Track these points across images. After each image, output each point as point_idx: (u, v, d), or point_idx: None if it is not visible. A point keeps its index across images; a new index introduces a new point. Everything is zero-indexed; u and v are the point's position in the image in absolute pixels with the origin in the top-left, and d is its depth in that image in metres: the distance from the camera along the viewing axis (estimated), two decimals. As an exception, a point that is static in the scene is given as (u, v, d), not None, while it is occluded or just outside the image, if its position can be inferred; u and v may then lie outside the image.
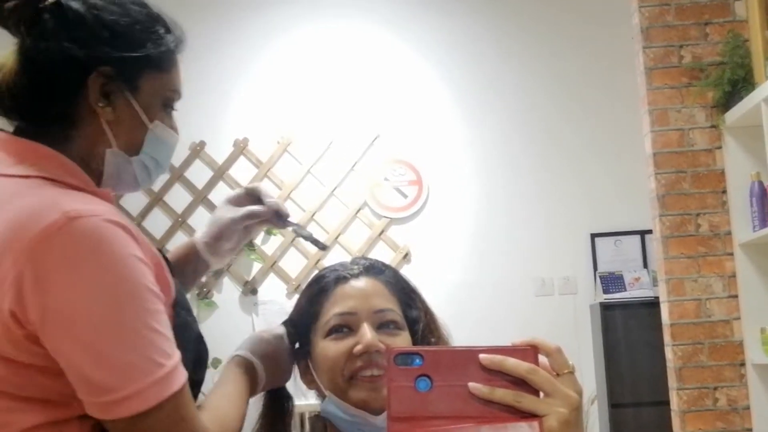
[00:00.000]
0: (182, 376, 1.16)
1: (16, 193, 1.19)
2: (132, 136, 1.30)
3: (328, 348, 1.39)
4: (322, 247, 1.61)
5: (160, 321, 1.16)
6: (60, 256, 1.12)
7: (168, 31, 1.34)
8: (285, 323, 1.50)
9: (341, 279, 1.45)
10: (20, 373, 1.16)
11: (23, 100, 1.25)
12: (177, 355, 1.16)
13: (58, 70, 1.24)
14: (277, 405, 1.50)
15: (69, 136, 1.26)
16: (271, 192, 1.60)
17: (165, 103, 1.34)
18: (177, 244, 5.61)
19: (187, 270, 1.57)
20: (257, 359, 1.42)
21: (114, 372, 1.12)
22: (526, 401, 0.96)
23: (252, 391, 1.40)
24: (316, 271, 1.55)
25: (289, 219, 1.59)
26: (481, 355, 0.97)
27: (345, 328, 1.40)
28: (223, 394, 1.34)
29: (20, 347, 1.14)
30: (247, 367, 1.40)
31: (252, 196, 1.58)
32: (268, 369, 1.42)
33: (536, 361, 0.99)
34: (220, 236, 1.56)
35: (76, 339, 1.12)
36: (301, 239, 5.40)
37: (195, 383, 1.28)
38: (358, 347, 1.36)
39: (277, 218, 1.59)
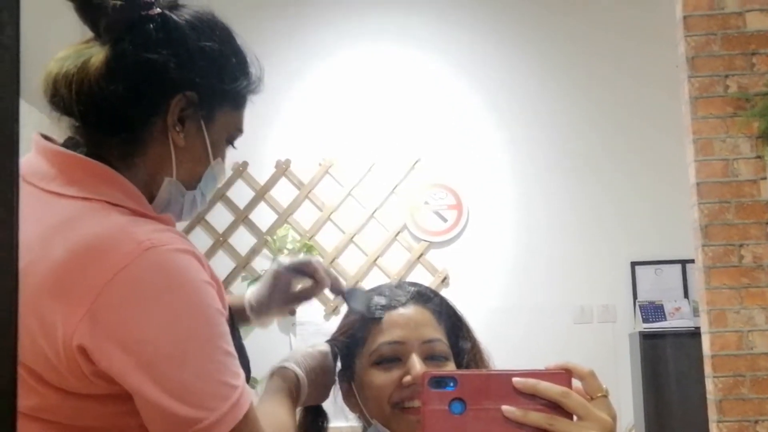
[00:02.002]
0: (249, 393, 1.15)
1: (78, 217, 1.13)
2: (194, 168, 1.26)
3: (376, 377, 1.39)
4: (378, 317, 1.48)
5: (229, 342, 1.14)
6: (136, 291, 1.08)
7: (252, 67, 1.32)
8: (329, 342, 1.50)
9: (389, 306, 1.44)
10: (77, 404, 1.13)
11: (107, 106, 1.19)
12: (242, 372, 1.16)
13: (152, 81, 1.19)
14: (314, 422, 1.51)
15: (133, 154, 1.21)
16: (321, 263, 1.57)
17: (228, 140, 1.32)
18: (218, 263, 5.65)
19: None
20: (303, 373, 1.41)
21: (197, 404, 1.09)
22: (560, 425, 0.96)
23: (294, 404, 1.40)
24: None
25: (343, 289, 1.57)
26: (515, 379, 0.98)
27: (393, 357, 1.39)
28: (277, 408, 1.33)
29: (84, 381, 1.10)
30: (292, 380, 1.40)
31: (299, 270, 1.55)
32: (312, 384, 1.42)
33: (569, 385, 0.99)
34: (262, 313, 1.57)
35: (158, 376, 1.08)
36: (342, 260, 5.45)
37: None
38: (407, 378, 1.36)
39: (332, 291, 1.58)
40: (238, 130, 1.33)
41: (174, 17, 1.22)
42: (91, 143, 1.21)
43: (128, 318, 1.08)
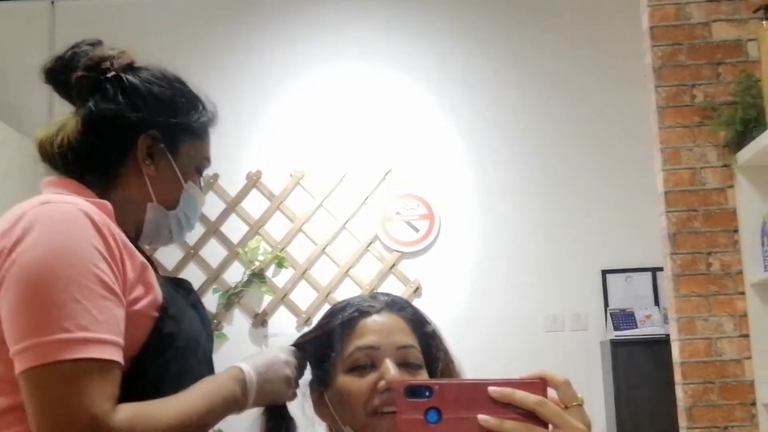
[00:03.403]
0: (92, 351, 1.22)
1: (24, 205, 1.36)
2: (169, 192, 1.53)
3: (350, 384, 1.38)
4: None
5: (91, 299, 1.24)
6: (22, 227, 1.28)
7: (205, 107, 1.59)
8: (296, 345, 1.51)
9: (363, 313, 1.44)
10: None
11: (84, 153, 1.47)
12: (99, 334, 1.23)
13: (116, 128, 1.48)
14: (277, 424, 1.49)
15: (113, 185, 1.48)
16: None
17: (198, 168, 1.58)
18: (189, 275, 5.65)
19: None
20: (250, 366, 1.43)
21: (24, 323, 1.22)
22: None
23: (242, 397, 1.41)
24: (326, 305, 1.56)
25: None
26: (491, 388, 0.99)
27: (367, 363, 1.39)
28: (185, 395, 1.35)
29: None
30: (236, 375, 1.42)
31: None
32: (263, 377, 1.43)
33: (545, 394, 1.00)
34: None
35: (12, 290, 1.24)
36: (314, 271, 5.45)
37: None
38: (382, 383, 1.36)
39: None
40: (205, 159, 1.59)
41: (128, 75, 1.51)
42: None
43: (14, 248, 1.26)
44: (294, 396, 1.49)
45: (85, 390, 1.19)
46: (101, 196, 1.43)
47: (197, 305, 1.53)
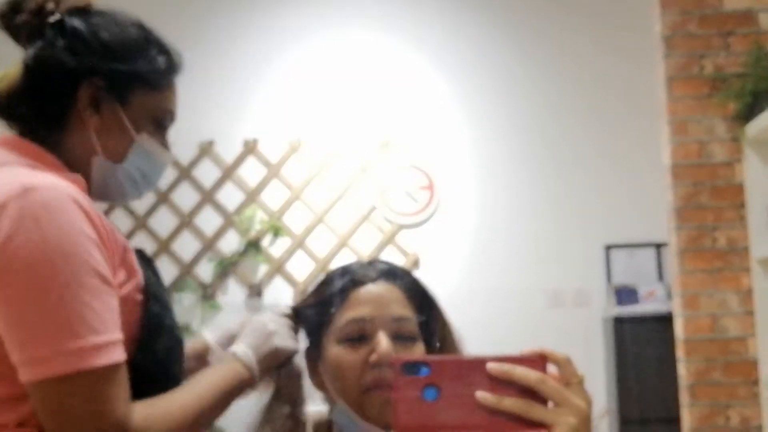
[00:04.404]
0: (108, 356, 1.19)
1: None
2: (117, 145, 1.40)
3: (343, 356, 1.34)
4: None
5: (95, 295, 1.20)
6: (11, 221, 1.19)
7: (162, 53, 1.45)
8: (294, 309, 1.47)
9: (358, 282, 1.39)
10: None
11: (22, 102, 1.38)
12: (109, 335, 1.19)
13: (53, 75, 1.37)
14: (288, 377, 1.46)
15: (59, 140, 1.38)
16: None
17: (156, 121, 1.45)
18: (183, 244, 5.60)
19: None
20: (240, 346, 1.41)
21: (29, 331, 1.16)
22: (535, 411, 0.96)
23: (245, 372, 1.39)
24: (323, 275, 1.49)
25: None
26: (489, 364, 0.97)
27: (360, 335, 1.34)
28: (190, 386, 1.34)
29: None
30: (233, 359, 1.41)
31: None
32: (261, 353, 1.41)
33: (545, 371, 0.99)
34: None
35: (8, 295, 1.18)
36: (311, 241, 5.39)
37: (170, 377, 1.34)
38: (374, 357, 1.31)
39: None
40: (166, 112, 1.46)
41: (73, 20, 1.39)
42: (25, 136, 1.39)
43: (3, 247, 1.18)
44: (296, 347, 1.45)
45: (103, 397, 1.18)
46: (51, 151, 1.36)
47: (158, 276, 1.49)
